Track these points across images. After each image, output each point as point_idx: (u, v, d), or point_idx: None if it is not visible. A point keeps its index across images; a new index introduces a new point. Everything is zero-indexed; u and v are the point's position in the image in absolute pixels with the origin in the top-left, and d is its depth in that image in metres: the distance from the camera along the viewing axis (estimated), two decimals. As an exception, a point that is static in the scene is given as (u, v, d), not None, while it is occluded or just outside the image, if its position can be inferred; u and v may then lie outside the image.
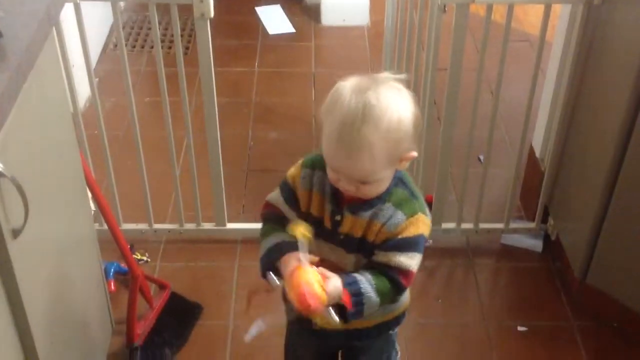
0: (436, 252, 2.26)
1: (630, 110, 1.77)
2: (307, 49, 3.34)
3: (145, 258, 2.25)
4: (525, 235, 2.34)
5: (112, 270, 2.13)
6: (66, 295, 1.58)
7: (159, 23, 1.97)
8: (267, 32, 3.45)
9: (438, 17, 1.96)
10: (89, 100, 2.75)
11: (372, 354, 1.51)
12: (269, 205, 1.39)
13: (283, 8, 3.61)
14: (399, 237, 1.27)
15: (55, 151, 1.52)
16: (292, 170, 1.35)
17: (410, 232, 1.27)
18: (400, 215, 1.26)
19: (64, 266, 1.57)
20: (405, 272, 1.29)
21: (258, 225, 2.30)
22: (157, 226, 2.29)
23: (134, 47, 3.29)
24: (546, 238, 2.32)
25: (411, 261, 1.28)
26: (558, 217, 2.25)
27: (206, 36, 1.91)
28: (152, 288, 2.09)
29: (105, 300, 1.91)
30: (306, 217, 1.34)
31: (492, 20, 1.97)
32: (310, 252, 1.32)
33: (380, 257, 1.28)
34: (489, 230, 2.33)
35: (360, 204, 1.27)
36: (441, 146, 2.15)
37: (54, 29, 1.43)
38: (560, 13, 2.14)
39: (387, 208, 1.27)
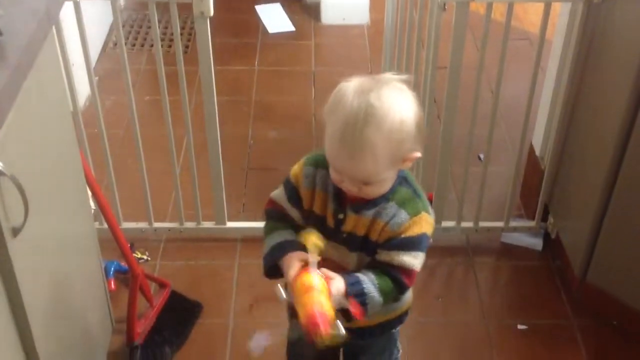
0: (436, 251, 2.26)
1: (630, 109, 1.77)
2: (307, 47, 3.34)
3: (145, 257, 2.25)
4: (525, 233, 2.34)
5: (112, 269, 2.13)
6: (66, 294, 1.58)
7: (159, 21, 1.97)
8: (267, 31, 3.45)
9: (438, 16, 1.96)
10: (88, 99, 2.74)
11: (373, 351, 1.51)
12: (272, 203, 1.39)
13: (283, 6, 3.61)
14: (402, 236, 1.27)
15: (55, 150, 1.52)
16: (295, 169, 1.35)
17: (414, 231, 1.27)
18: (403, 215, 1.26)
19: (64, 265, 1.57)
20: (408, 271, 1.29)
21: (258, 224, 2.33)
22: (157, 225, 2.29)
23: (134, 45, 3.28)
24: (546, 236, 2.32)
25: (414, 260, 1.28)
26: (558, 216, 2.25)
27: (206, 35, 1.91)
28: (152, 287, 2.09)
29: (106, 299, 1.91)
30: (309, 215, 1.34)
31: (492, 18, 1.96)
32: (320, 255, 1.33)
33: (383, 256, 1.29)
34: (489, 229, 2.33)
35: (364, 203, 1.27)
36: (441, 145, 2.15)
37: (53, 27, 1.43)
38: (560, 11, 2.14)
39: (391, 207, 1.27)
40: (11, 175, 1.17)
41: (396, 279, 1.29)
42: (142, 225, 2.29)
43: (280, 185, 1.38)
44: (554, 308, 2.13)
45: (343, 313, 1.27)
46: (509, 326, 2.08)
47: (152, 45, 3.24)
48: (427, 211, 1.29)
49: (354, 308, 1.26)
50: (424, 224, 1.28)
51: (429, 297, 2.15)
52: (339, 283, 1.24)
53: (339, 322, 1.22)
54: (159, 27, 1.99)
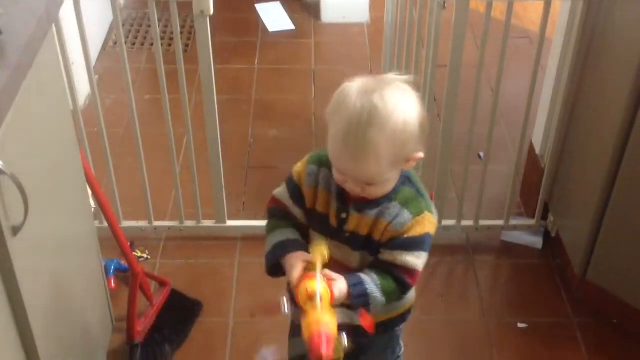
0: (436, 250, 2.22)
1: (630, 107, 1.77)
2: (307, 46, 3.34)
3: (145, 255, 2.25)
4: (526, 232, 2.34)
5: (112, 267, 2.13)
6: (66, 293, 1.58)
7: (159, 20, 1.97)
8: (267, 29, 3.45)
9: (438, 14, 1.96)
10: (88, 98, 2.74)
11: (376, 349, 1.52)
12: (274, 200, 1.38)
13: (283, 5, 3.61)
14: (405, 236, 1.27)
15: (55, 149, 1.52)
16: (298, 167, 1.35)
17: (417, 231, 1.27)
18: (406, 215, 1.26)
19: (64, 264, 1.57)
20: (411, 271, 1.29)
21: (258, 223, 2.33)
22: (157, 223, 2.30)
23: (134, 44, 3.28)
24: (546, 235, 2.32)
25: (417, 260, 1.29)
26: (558, 214, 2.25)
27: (206, 33, 1.91)
28: (152, 285, 2.09)
29: (106, 298, 1.92)
30: (311, 213, 1.34)
31: (492, 16, 1.96)
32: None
33: (386, 255, 1.29)
34: (489, 227, 2.33)
35: (367, 203, 1.27)
36: (441, 143, 2.15)
37: (53, 26, 1.43)
38: (560, 9, 2.14)
39: (394, 207, 1.27)
40: (11, 174, 1.17)
41: (399, 279, 1.29)
42: (142, 224, 2.29)
43: (282, 183, 1.38)
44: (554, 306, 2.13)
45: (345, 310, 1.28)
46: (509, 324, 2.08)
47: (152, 44, 3.24)
48: (430, 211, 1.29)
49: (364, 321, 1.26)
50: (427, 223, 1.28)
51: (430, 295, 2.15)
52: (341, 284, 1.25)
53: (343, 335, 1.22)
54: (158, 25, 1.99)
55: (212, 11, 1.87)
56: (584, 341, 2.03)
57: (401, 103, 1.18)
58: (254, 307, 2.02)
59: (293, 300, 1.29)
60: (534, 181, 2.33)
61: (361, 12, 3.50)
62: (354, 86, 1.20)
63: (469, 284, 2.21)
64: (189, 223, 2.30)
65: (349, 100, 1.18)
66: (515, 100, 2.64)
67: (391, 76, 1.23)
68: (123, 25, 3.21)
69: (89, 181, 1.77)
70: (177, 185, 2.21)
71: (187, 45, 3.23)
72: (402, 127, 1.17)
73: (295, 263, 1.27)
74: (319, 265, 1.24)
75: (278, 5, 3.61)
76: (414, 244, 1.28)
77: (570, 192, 2.16)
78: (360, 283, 1.27)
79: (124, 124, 2.65)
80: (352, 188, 1.24)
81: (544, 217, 2.31)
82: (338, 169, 1.24)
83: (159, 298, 2.06)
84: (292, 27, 3.48)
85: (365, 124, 1.16)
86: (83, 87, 2.52)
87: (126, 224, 2.26)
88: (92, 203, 1.91)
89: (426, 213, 1.28)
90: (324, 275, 1.24)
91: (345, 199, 1.29)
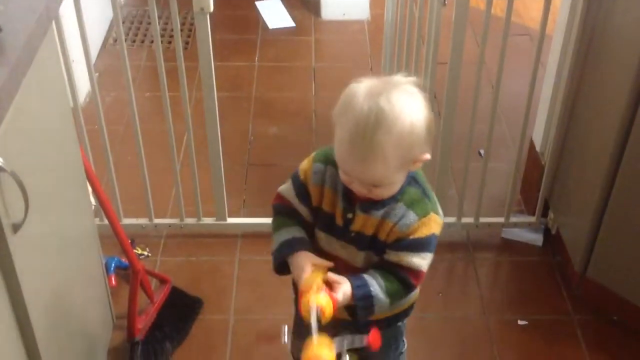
0: (437, 247, 2.24)
1: (630, 105, 1.77)
2: (307, 43, 3.34)
3: (145, 253, 2.25)
4: (526, 229, 2.34)
5: (113, 265, 2.13)
6: (67, 290, 1.58)
7: (159, 18, 1.97)
8: (267, 27, 3.44)
9: (438, 11, 1.96)
10: (88, 95, 2.74)
11: (380, 343, 1.52)
12: (280, 198, 1.38)
13: (283, 2, 3.61)
14: (411, 237, 1.27)
15: (56, 146, 1.52)
16: (304, 164, 1.35)
17: (423, 232, 1.27)
18: (412, 216, 1.26)
19: (64, 261, 1.57)
20: (416, 272, 1.29)
21: (259, 220, 2.33)
22: (157, 221, 2.30)
23: (134, 41, 3.28)
24: (546, 232, 2.32)
25: (423, 261, 1.29)
26: (558, 211, 2.25)
27: (206, 30, 1.91)
28: (153, 283, 2.10)
29: (106, 295, 1.92)
30: (317, 212, 1.34)
31: (492, 14, 1.96)
32: (322, 249, 1.34)
33: (392, 256, 1.29)
34: (489, 225, 2.33)
35: (373, 203, 1.27)
36: (441, 140, 2.15)
37: (53, 23, 1.43)
38: (561, 6, 2.14)
39: (399, 208, 1.27)
40: (11, 171, 1.17)
41: (404, 280, 1.29)
42: (143, 221, 2.29)
43: (288, 179, 1.37)
44: (554, 303, 2.13)
45: (351, 312, 1.28)
46: (510, 321, 2.08)
47: (152, 42, 3.24)
48: (435, 212, 1.29)
49: (372, 338, 1.28)
50: (433, 224, 1.28)
51: (430, 292, 2.15)
52: (345, 287, 1.25)
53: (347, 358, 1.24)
54: (159, 23, 1.99)
55: (212, 8, 1.87)
56: (584, 338, 2.03)
57: (408, 105, 1.18)
58: (255, 335, 2.02)
59: (288, 267, 1.31)
60: (534, 178, 2.33)
61: (361, 9, 3.50)
62: (361, 88, 1.20)
63: (469, 281, 2.21)
64: (190, 220, 2.30)
65: (356, 102, 1.18)
66: (516, 98, 2.64)
67: (398, 78, 1.22)
68: (123, 22, 3.21)
69: (89, 178, 1.77)
70: (177, 183, 2.21)
71: (187, 43, 3.23)
72: (409, 130, 1.17)
73: (304, 265, 1.28)
74: (320, 281, 1.24)
75: (278, 2, 3.61)
76: (419, 245, 1.28)
77: (570, 190, 2.16)
78: (364, 285, 1.27)
79: (124, 122, 2.65)
80: (359, 189, 1.24)
81: (544, 214, 2.31)
82: (345, 171, 1.24)
83: (160, 295, 2.06)
84: (292, 24, 3.47)
85: (372, 127, 1.15)
86: (83, 84, 2.52)
87: (127, 221, 2.26)
88: (93, 200, 1.91)
89: (432, 214, 1.28)
90: (328, 279, 1.25)
91: (351, 199, 1.29)
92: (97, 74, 2.35)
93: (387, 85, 1.19)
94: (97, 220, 1.99)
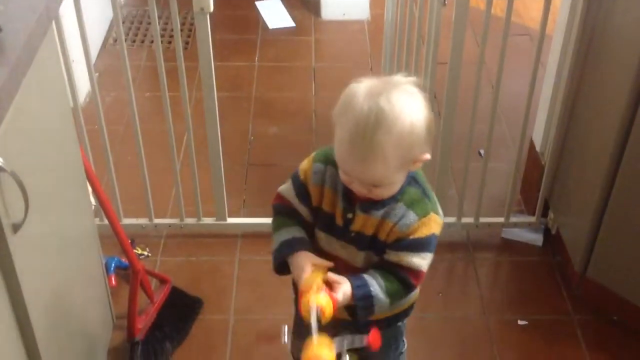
0: (437, 247, 2.25)
1: (630, 105, 1.77)
2: (307, 43, 3.34)
3: (145, 253, 2.25)
4: (526, 229, 2.34)
5: (113, 265, 2.13)
6: (67, 290, 1.58)
7: (159, 17, 1.97)
8: (267, 27, 3.44)
9: (438, 11, 1.96)
10: (89, 95, 2.74)
11: (381, 346, 1.52)
12: (280, 198, 1.38)
13: (283, 2, 3.61)
14: (411, 237, 1.27)
15: (56, 146, 1.52)
16: (304, 164, 1.35)
17: (422, 232, 1.27)
18: (412, 216, 1.26)
19: (64, 261, 1.57)
20: (416, 272, 1.30)
21: (259, 220, 2.33)
22: (157, 221, 2.30)
23: (134, 41, 3.28)
24: (546, 232, 2.32)
25: (422, 261, 1.29)
26: (558, 211, 2.25)
27: (206, 30, 1.91)
28: (153, 283, 2.10)
29: (106, 295, 1.92)
30: (317, 212, 1.34)
31: (492, 14, 1.96)
32: (322, 249, 1.34)
33: (392, 256, 1.29)
34: (489, 225, 2.33)
35: (373, 203, 1.27)
36: (441, 140, 2.15)
37: (53, 23, 1.43)
38: (561, 6, 2.14)
39: (399, 208, 1.27)
40: (11, 171, 1.17)
41: (404, 280, 1.30)
42: (143, 221, 2.29)
43: (288, 179, 1.38)
44: (554, 303, 2.13)
45: (351, 312, 1.28)
46: (510, 321, 2.08)
47: (152, 42, 3.24)
48: (435, 212, 1.29)
49: (372, 338, 1.28)
50: (433, 224, 1.28)
51: (430, 292, 2.15)
52: (345, 287, 1.26)
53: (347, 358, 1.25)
54: (159, 23, 1.99)
55: (212, 8, 1.87)
56: (584, 338, 2.03)
57: (408, 106, 1.18)
58: (255, 335, 2.02)
59: (288, 267, 1.31)
60: (534, 178, 2.33)
61: (361, 9, 3.50)
62: (361, 88, 1.20)
63: (469, 281, 2.21)
64: (190, 220, 2.30)
65: (356, 102, 1.18)
66: (516, 98, 2.64)
67: (398, 78, 1.22)
68: (123, 22, 3.21)
69: (89, 178, 1.77)
70: (177, 183, 2.22)
71: (187, 43, 3.23)
72: (409, 130, 1.17)
73: (304, 265, 1.28)
74: (320, 284, 1.24)
75: (278, 2, 3.61)
76: (419, 245, 1.28)
77: (570, 190, 2.16)
78: (364, 285, 1.27)
79: (124, 122, 2.65)
80: (359, 189, 1.24)
81: (544, 214, 2.31)
82: (345, 171, 1.24)
83: (160, 295, 2.06)
84: (292, 24, 3.47)
85: (372, 127, 1.15)
86: (83, 84, 2.52)
87: (127, 221, 2.26)
88: (93, 200, 1.91)
89: (432, 214, 1.28)
90: (328, 279, 1.25)
91: (351, 199, 1.29)
92: (97, 74, 2.35)
93: (387, 85, 1.19)
94: (97, 220, 1.99)
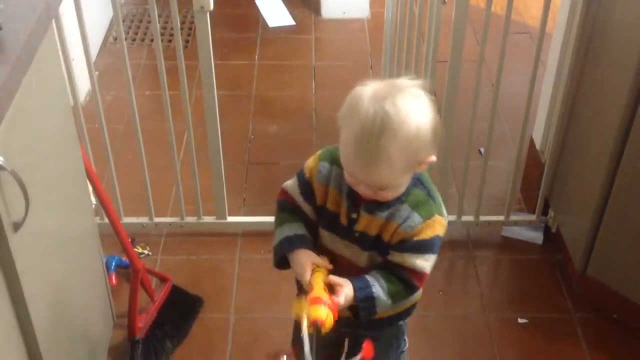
0: (437, 245, 2.26)
1: (630, 103, 1.77)
2: (307, 41, 3.34)
3: (146, 251, 2.25)
4: (526, 227, 2.34)
5: (114, 263, 2.13)
6: (67, 289, 1.58)
7: (159, 16, 1.97)
8: (267, 25, 3.44)
9: (438, 9, 1.95)
10: (89, 94, 2.74)
11: (381, 344, 1.52)
12: (285, 193, 1.38)
13: (283, 0, 3.61)
14: (415, 239, 1.27)
15: (56, 145, 1.53)
16: (310, 162, 1.35)
17: (427, 234, 1.27)
18: (416, 218, 1.26)
19: (65, 260, 1.57)
20: (419, 274, 1.30)
21: (259, 219, 2.33)
22: (158, 220, 2.30)
23: (134, 40, 3.28)
24: (547, 230, 2.32)
25: (426, 263, 1.30)
26: (558, 210, 2.25)
27: (206, 29, 1.91)
28: (153, 281, 2.10)
29: (107, 294, 1.92)
30: (322, 211, 1.34)
31: (492, 12, 1.96)
32: (326, 247, 1.35)
33: (396, 257, 1.29)
34: (489, 223, 2.33)
35: (377, 204, 1.27)
36: (441, 139, 2.15)
37: (53, 22, 1.43)
38: (560, 5, 2.14)
39: (404, 209, 1.27)
40: (12, 170, 1.17)
41: (407, 281, 1.30)
42: (143, 220, 2.29)
43: (293, 175, 1.37)
44: (554, 302, 2.13)
45: (353, 312, 1.29)
46: (510, 320, 2.08)
47: (152, 40, 3.24)
48: (440, 213, 1.29)
49: (366, 350, 1.30)
50: (437, 226, 1.28)
51: (430, 290, 2.15)
52: (347, 290, 1.26)
53: None
54: (159, 21, 1.99)
55: (212, 7, 1.87)
56: (584, 336, 2.03)
57: (413, 109, 1.18)
58: (255, 334, 2.02)
59: (288, 263, 1.32)
60: (535, 177, 2.33)
61: (361, 7, 3.50)
62: (366, 91, 1.19)
63: (470, 280, 2.21)
64: (190, 219, 2.30)
65: (361, 105, 1.17)
66: (516, 96, 2.64)
67: (403, 81, 1.22)
68: (123, 21, 3.21)
69: (90, 177, 1.77)
70: (177, 182, 2.22)
71: (187, 41, 3.23)
72: (414, 134, 1.17)
73: (304, 264, 1.28)
74: (322, 290, 1.25)
75: (278, 0, 3.61)
76: (423, 247, 1.28)
77: (570, 188, 2.16)
78: (367, 287, 1.27)
79: (124, 120, 2.65)
80: (364, 191, 1.24)
81: (545, 212, 2.31)
82: (350, 173, 1.24)
83: (160, 294, 2.06)
84: (292, 22, 3.47)
85: (377, 131, 1.15)
86: (83, 83, 2.52)
87: (127, 220, 2.26)
88: (93, 199, 1.91)
89: (436, 216, 1.28)
90: (330, 282, 1.26)
91: (356, 199, 1.29)
92: (97, 73, 2.35)
93: (393, 89, 1.19)
94: (97, 219, 1.99)
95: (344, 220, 1.31)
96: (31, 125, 1.34)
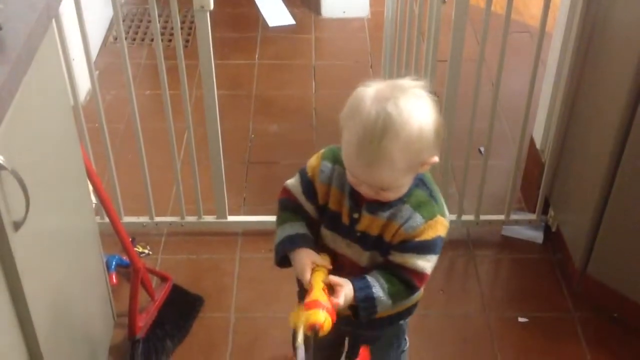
0: (437, 244, 2.26)
1: (630, 102, 1.77)
2: (307, 41, 3.34)
3: (146, 251, 2.25)
4: (526, 226, 2.34)
5: (114, 263, 2.13)
6: (68, 288, 1.59)
7: (159, 16, 1.97)
8: (267, 25, 3.44)
9: (438, 8, 1.96)
10: (89, 94, 2.74)
11: (382, 343, 1.52)
12: (287, 192, 1.38)
13: (283, 0, 3.61)
14: (417, 239, 1.27)
15: (56, 144, 1.53)
16: (312, 161, 1.35)
17: (428, 235, 1.28)
18: (418, 218, 1.27)
19: (65, 259, 1.57)
20: (420, 275, 1.30)
21: (259, 218, 2.34)
22: (158, 219, 2.30)
23: (134, 40, 3.28)
24: (547, 229, 2.32)
25: (427, 264, 1.30)
26: (558, 209, 2.25)
27: (206, 29, 1.91)
28: (154, 281, 2.10)
29: (107, 293, 1.92)
30: (323, 210, 1.34)
31: (492, 11, 1.96)
32: (327, 246, 1.35)
33: (397, 258, 1.29)
34: (489, 222, 2.33)
35: (379, 204, 1.27)
36: (443, 139, 2.15)
37: (53, 22, 1.43)
38: (560, 4, 2.14)
39: (406, 210, 1.27)
40: (12, 169, 1.17)
41: (408, 282, 1.30)
42: (144, 219, 2.29)
43: (295, 174, 1.37)
44: (554, 301, 2.13)
45: (354, 312, 1.29)
46: (510, 319, 2.08)
47: (152, 40, 3.24)
48: (442, 214, 1.30)
49: (361, 358, 1.31)
50: (439, 226, 1.29)
51: (430, 289, 2.14)
52: (347, 290, 1.26)
53: None
54: (159, 21, 1.99)
55: (212, 6, 1.87)
56: (584, 335, 2.03)
57: (416, 111, 1.17)
58: (256, 333, 2.02)
59: (289, 262, 1.32)
60: (535, 176, 2.33)
61: (361, 6, 3.50)
62: (369, 92, 1.19)
63: (470, 279, 2.21)
64: (190, 218, 2.31)
65: (364, 106, 1.18)
66: (516, 95, 2.64)
67: (406, 82, 1.22)
68: (123, 20, 3.21)
69: (90, 177, 1.77)
70: (178, 181, 2.22)
71: (187, 41, 3.23)
72: (417, 136, 1.17)
73: (305, 264, 1.28)
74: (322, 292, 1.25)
75: (278, 0, 3.61)
76: (425, 248, 1.28)
77: (570, 187, 2.16)
78: (367, 287, 1.28)
79: (124, 120, 2.65)
80: (367, 191, 1.24)
81: (545, 211, 2.31)
82: (352, 174, 1.24)
83: (161, 293, 2.06)
84: (292, 22, 3.47)
85: (379, 132, 1.15)
86: (83, 82, 2.52)
87: (127, 219, 2.26)
88: (93, 198, 1.91)
89: (438, 217, 1.28)
90: (330, 282, 1.26)
91: (358, 199, 1.29)
92: (97, 72, 2.36)
93: (395, 90, 1.19)
94: (97, 219, 1.99)
95: (345, 219, 1.32)
96: (31, 125, 1.34)
